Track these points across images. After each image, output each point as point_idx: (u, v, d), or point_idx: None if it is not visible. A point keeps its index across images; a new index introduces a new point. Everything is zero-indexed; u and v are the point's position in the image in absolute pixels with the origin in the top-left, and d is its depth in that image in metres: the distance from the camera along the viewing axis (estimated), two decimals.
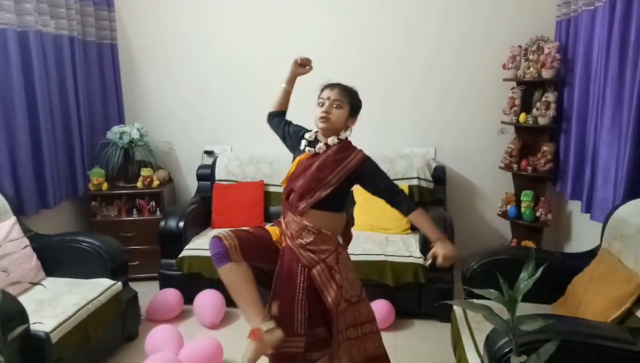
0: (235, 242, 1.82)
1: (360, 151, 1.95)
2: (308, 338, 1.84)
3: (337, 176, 1.88)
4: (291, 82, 2.08)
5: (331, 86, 1.91)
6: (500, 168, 3.49)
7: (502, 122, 3.47)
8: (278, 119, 2.12)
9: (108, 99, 3.89)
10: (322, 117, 1.88)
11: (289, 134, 2.07)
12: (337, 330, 1.86)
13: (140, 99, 4.02)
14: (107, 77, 3.86)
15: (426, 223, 1.92)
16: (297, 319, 1.82)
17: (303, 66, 2.04)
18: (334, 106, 1.88)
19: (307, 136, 1.99)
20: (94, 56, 3.73)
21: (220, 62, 3.89)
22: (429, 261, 1.84)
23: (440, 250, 1.82)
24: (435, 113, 3.73)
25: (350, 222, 2.08)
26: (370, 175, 1.92)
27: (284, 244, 1.94)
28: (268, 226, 2.05)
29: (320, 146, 1.93)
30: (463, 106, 3.69)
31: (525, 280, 1.40)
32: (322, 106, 1.89)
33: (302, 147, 1.97)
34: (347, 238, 2.03)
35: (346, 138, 1.97)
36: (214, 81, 3.92)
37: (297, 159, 1.96)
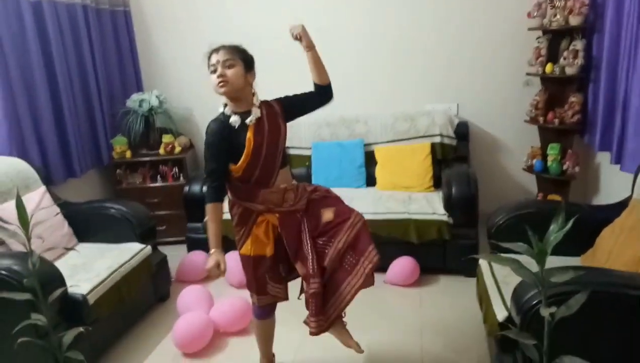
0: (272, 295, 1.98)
1: (273, 101, 1.94)
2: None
3: (283, 129, 1.90)
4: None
5: (215, 50, 1.84)
6: (526, 121, 3.42)
7: (528, 73, 3.38)
8: (222, 183, 1.89)
9: (125, 67, 3.89)
10: (220, 83, 1.79)
11: (226, 156, 1.85)
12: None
13: (156, 66, 4.02)
14: (123, 45, 3.85)
15: (311, 65, 1.93)
16: (310, 263, 1.85)
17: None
18: (227, 66, 1.80)
19: (231, 120, 1.82)
20: (108, 23, 3.71)
21: (235, 25, 3.82)
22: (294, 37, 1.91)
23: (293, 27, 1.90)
24: (457, 68, 3.64)
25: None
26: (289, 102, 1.92)
27: (266, 218, 1.90)
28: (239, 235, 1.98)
29: (254, 112, 1.84)
30: (486, 59, 3.60)
31: (555, 232, 1.37)
32: (214, 72, 1.81)
33: (234, 124, 1.81)
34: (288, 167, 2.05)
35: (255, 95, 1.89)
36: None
37: (248, 136, 1.81)
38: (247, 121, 1.84)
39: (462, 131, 3.51)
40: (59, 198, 2.83)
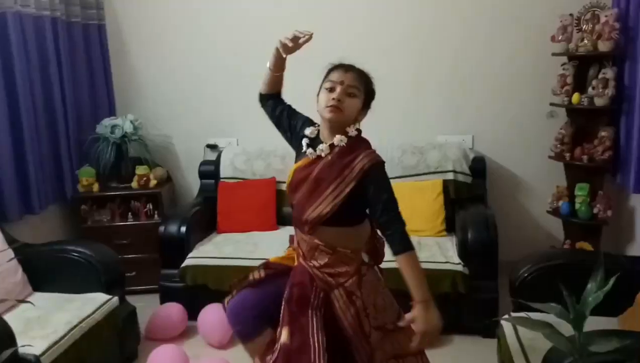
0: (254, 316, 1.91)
1: (372, 152, 1.79)
2: None
3: (339, 188, 1.74)
4: (278, 66, 1.91)
5: (344, 68, 1.78)
6: (550, 157, 3.42)
7: (552, 104, 3.39)
8: (272, 103, 1.99)
9: (97, 88, 3.89)
10: (332, 106, 1.72)
11: (288, 127, 1.95)
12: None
13: (132, 87, 4.02)
14: (95, 62, 3.86)
15: (416, 273, 1.74)
16: (314, 349, 1.73)
17: (294, 43, 1.83)
18: (348, 93, 1.75)
19: (307, 132, 1.86)
20: (80, 38, 3.73)
21: (222, 42, 3.86)
22: (401, 324, 1.71)
23: (421, 323, 1.68)
24: (473, 95, 3.68)
25: (376, 234, 1.90)
26: (373, 183, 1.73)
27: (296, 262, 1.90)
28: (287, 251, 2.03)
29: (322, 147, 1.79)
30: (505, 86, 3.63)
31: (594, 292, 1.35)
32: (331, 91, 1.74)
33: (303, 149, 1.84)
34: (377, 254, 1.92)
35: (356, 133, 1.82)
36: (216, 64, 3.90)
37: (295, 166, 1.85)
38: (308, 152, 1.84)
39: (478, 166, 3.51)
40: (14, 240, 2.78)
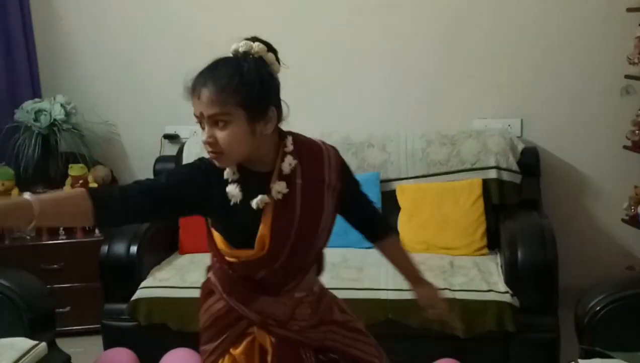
0: None
1: (325, 144, 1.78)
2: None
3: (329, 202, 1.73)
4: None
5: (198, 88, 1.57)
6: (626, 148, 3.43)
7: (627, 76, 3.39)
8: (119, 216, 1.62)
9: (15, 61, 3.87)
10: (211, 153, 1.59)
11: (182, 199, 1.65)
12: None
13: (63, 60, 4.01)
14: (13, 28, 3.83)
15: (407, 254, 2.02)
16: None
17: None
18: (216, 125, 1.56)
19: (230, 189, 1.62)
20: None
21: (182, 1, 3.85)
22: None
23: (425, 298, 1.99)
24: (521, 67, 3.67)
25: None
26: (353, 188, 1.86)
27: (254, 336, 1.76)
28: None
29: (275, 186, 1.63)
30: (563, 54, 3.62)
31: None
32: (202, 126, 1.60)
33: (232, 198, 1.62)
34: (321, 269, 1.93)
35: (289, 139, 1.70)
36: (174, 30, 3.88)
37: (267, 221, 1.63)
38: (255, 202, 1.61)
39: (529, 161, 3.51)
40: None
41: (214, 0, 3.82)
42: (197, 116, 1.59)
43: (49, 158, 3.75)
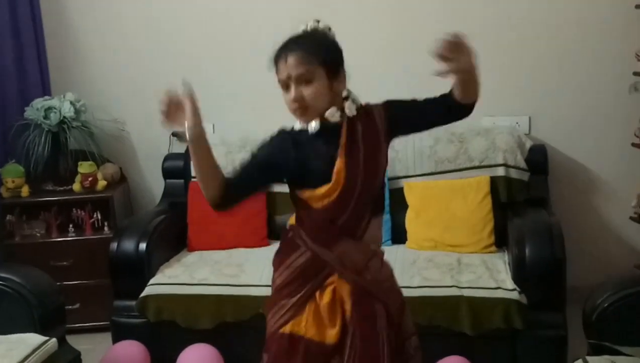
0: None
1: (373, 104, 1.99)
2: None
3: (385, 146, 1.94)
4: (205, 156, 1.85)
5: (284, 55, 1.84)
6: (635, 145, 3.43)
7: (635, 73, 3.38)
8: (241, 190, 1.92)
9: (25, 59, 3.88)
10: (295, 110, 1.86)
11: (278, 166, 1.92)
12: None
13: (73, 58, 4.01)
14: (23, 26, 3.85)
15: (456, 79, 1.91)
16: None
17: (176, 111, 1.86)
18: (302, 83, 1.83)
19: (310, 127, 1.88)
20: None
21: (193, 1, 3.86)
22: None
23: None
24: (529, 64, 3.67)
25: None
26: (401, 108, 1.98)
27: (335, 285, 1.92)
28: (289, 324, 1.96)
29: (332, 111, 1.87)
30: (572, 50, 3.62)
31: None
32: (286, 89, 1.85)
33: (311, 129, 1.87)
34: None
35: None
36: (184, 29, 3.89)
37: (340, 167, 1.86)
38: (333, 118, 1.86)
39: (538, 158, 3.51)
40: None
41: (223, 1, 3.82)
42: (282, 80, 1.84)
43: (58, 155, 3.75)
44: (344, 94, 1.91)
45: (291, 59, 1.81)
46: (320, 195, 1.88)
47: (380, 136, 1.93)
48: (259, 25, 3.69)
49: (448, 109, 1.92)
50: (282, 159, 1.90)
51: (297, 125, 1.92)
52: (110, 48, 3.96)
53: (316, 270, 1.93)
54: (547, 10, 3.61)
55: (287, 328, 1.92)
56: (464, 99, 1.88)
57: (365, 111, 1.94)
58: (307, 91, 1.82)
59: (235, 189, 1.89)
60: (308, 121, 1.87)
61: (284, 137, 1.94)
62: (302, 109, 1.84)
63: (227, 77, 3.86)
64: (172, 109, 1.86)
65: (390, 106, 1.96)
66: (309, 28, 1.90)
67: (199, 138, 1.80)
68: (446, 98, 1.91)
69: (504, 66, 3.68)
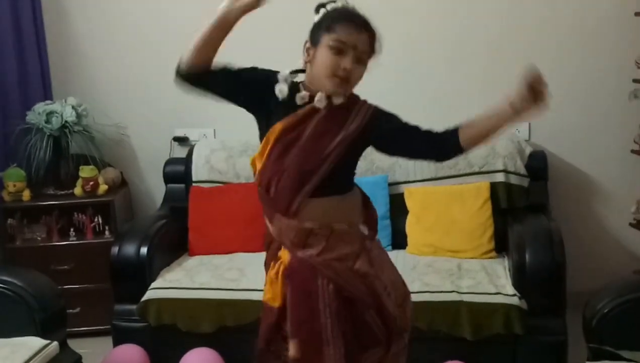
0: None
1: (366, 100, 1.99)
2: None
3: (343, 141, 1.91)
4: (228, 22, 1.96)
5: (358, 26, 1.86)
6: (634, 152, 3.44)
7: (635, 80, 3.40)
8: (216, 77, 2.03)
9: (27, 63, 3.88)
10: (342, 78, 1.85)
11: (247, 85, 2.01)
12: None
13: (74, 62, 4.02)
14: (25, 30, 3.85)
15: (481, 120, 1.88)
16: (331, 358, 1.91)
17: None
18: (359, 60, 1.88)
19: (281, 76, 1.95)
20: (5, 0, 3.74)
21: (193, 3, 3.85)
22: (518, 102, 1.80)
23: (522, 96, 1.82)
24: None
25: (367, 199, 2.12)
26: (387, 122, 1.95)
27: (282, 259, 2.00)
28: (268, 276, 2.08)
29: (319, 97, 1.91)
30: (572, 57, 3.63)
31: None
32: (339, 54, 1.84)
33: (298, 101, 1.93)
34: (371, 224, 2.10)
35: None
36: (184, 32, 3.80)
37: (277, 128, 1.92)
38: (300, 96, 1.91)
39: (537, 164, 3.52)
40: None
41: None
42: (344, 43, 1.82)
43: (60, 159, 3.76)
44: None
45: (366, 35, 1.85)
46: (257, 153, 1.96)
47: (343, 129, 1.91)
48: (261, 32, 3.70)
49: (441, 145, 1.91)
50: (260, 89, 1.95)
51: (284, 87, 1.92)
52: (111, 53, 3.97)
53: (270, 242, 2.06)
54: (548, 18, 3.62)
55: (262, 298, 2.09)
56: (467, 144, 1.86)
57: (354, 100, 1.96)
58: (357, 70, 1.86)
59: (210, 75, 2.00)
60: (339, 94, 1.89)
61: (274, 79, 1.96)
62: (346, 81, 1.86)
63: None
64: None
65: (379, 115, 1.95)
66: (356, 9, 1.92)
67: (224, 15, 1.93)
68: (449, 134, 1.88)
69: (504, 73, 3.67)
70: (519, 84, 1.79)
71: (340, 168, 1.93)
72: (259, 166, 1.98)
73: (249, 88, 1.99)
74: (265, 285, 2.10)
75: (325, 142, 1.90)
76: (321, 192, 1.92)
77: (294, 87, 1.94)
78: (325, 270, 1.94)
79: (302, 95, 1.91)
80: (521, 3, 3.64)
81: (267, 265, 2.12)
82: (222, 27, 1.95)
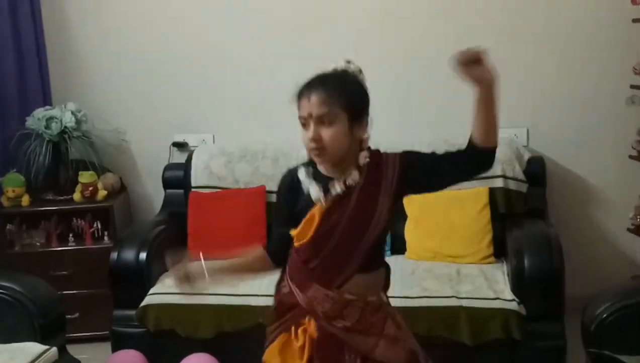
0: None
1: (386, 152, 1.95)
2: None
3: (386, 194, 1.87)
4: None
5: (307, 92, 1.83)
6: (632, 157, 3.44)
7: (633, 86, 3.40)
8: (285, 242, 1.98)
9: (26, 69, 3.89)
10: (312, 149, 1.83)
11: (293, 215, 1.95)
12: None
13: (74, 68, 4.02)
14: (25, 36, 3.86)
15: (477, 112, 1.87)
16: None
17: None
18: (322, 123, 1.81)
19: (301, 175, 1.92)
20: (4, 3, 3.72)
21: (193, 11, 3.87)
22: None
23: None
24: (527, 77, 3.68)
25: (390, 269, 2.09)
26: (418, 158, 1.91)
27: (306, 326, 1.94)
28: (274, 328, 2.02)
29: (336, 186, 1.87)
30: (570, 64, 3.64)
31: None
32: (305, 127, 1.83)
33: (314, 196, 1.88)
34: (387, 287, 2.08)
35: (370, 152, 1.93)
36: (184, 38, 3.90)
37: (316, 210, 1.88)
38: (320, 199, 1.85)
39: (536, 170, 3.52)
40: None
41: (224, 14, 3.83)
42: (303, 117, 1.82)
43: (59, 165, 3.76)
44: (365, 146, 1.90)
45: (314, 98, 1.79)
46: (296, 234, 1.89)
47: (381, 190, 1.88)
48: (261, 38, 3.71)
49: (470, 159, 1.86)
50: (292, 204, 1.93)
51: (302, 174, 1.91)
52: (111, 58, 3.97)
53: (292, 306, 1.95)
54: (546, 24, 3.63)
55: (264, 356, 1.99)
56: (484, 141, 1.81)
57: (376, 160, 1.90)
58: (326, 133, 1.80)
59: (279, 250, 1.99)
60: (323, 163, 1.87)
61: (287, 181, 1.98)
62: (319, 150, 1.81)
63: (227, 87, 3.87)
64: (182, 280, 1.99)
65: (410, 160, 1.90)
66: (339, 68, 1.88)
67: (210, 282, 1.99)
68: (465, 148, 1.86)
69: (502, 79, 3.68)
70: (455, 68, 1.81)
71: (382, 234, 1.92)
72: (297, 243, 1.92)
73: (294, 213, 1.95)
74: (268, 345, 2.01)
75: (372, 205, 1.87)
76: (366, 267, 1.90)
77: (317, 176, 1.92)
78: (355, 342, 1.90)
79: (334, 189, 1.87)
80: (520, 11, 3.64)
81: (272, 327, 2.04)
82: (226, 279, 2.10)
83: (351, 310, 1.89)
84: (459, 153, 1.87)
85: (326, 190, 1.86)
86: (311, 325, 1.92)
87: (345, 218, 1.86)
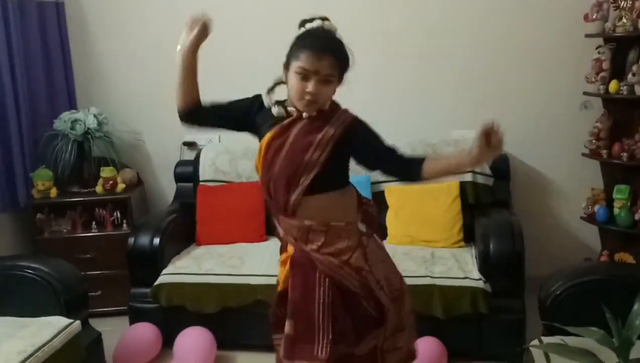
0: None
1: (347, 110, 1.97)
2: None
3: (321, 148, 1.88)
4: (189, 61, 2.00)
5: (319, 53, 1.81)
6: (584, 155, 3.44)
7: (585, 93, 3.41)
8: (207, 114, 2.05)
9: (54, 76, 3.88)
10: (308, 101, 1.84)
11: (242, 115, 2.04)
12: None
13: (96, 76, 4.02)
14: (52, 47, 3.85)
15: (444, 159, 1.95)
16: (318, 342, 1.90)
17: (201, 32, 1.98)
18: (323, 82, 1.84)
19: (272, 107, 1.95)
20: (34, 20, 3.71)
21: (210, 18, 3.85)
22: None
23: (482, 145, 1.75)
24: (494, 84, 3.68)
25: (362, 199, 2.07)
26: (363, 137, 1.92)
27: (289, 251, 2.01)
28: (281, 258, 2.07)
29: (293, 112, 1.92)
30: (531, 73, 3.64)
31: None
32: (304, 79, 1.82)
33: (275, 114, 1.93)
34: (371, 220, 2.06)
35: (334, 104, 1.97)
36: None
37: (267, 137, 1.93)
38: (276, 112, 1.91)
39: (501, 166, 3.53)
40: None
41: (230, 20, 3.70)
42: (306, 70, 1.80)
43: (83, 161, 3.76)
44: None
45: (327, 60, 1.80)
46: (256, 163, 1.99)
47: (322, 133, 1.88)
48: (264, 41, 3.68)
49: (406, 171, 1.92)
50: (252, 113, 1.98)
51: (268, 100, 1.95)
52: (128, 69, 3.97)
53: (281, 238, 2.06)
54: (511, 37, 3.62)
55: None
56: (428, 177, 1.86)
57: (333, 111, 1.93)
58: (324, 90, 1.83)
59: (202, 112, 2.01)
60: (309, 112, 1.87)
61: (259, 100, 2.00)
62: (313, 102, 1.84)
63: (232, 89, 3.85)
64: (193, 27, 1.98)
65: (355, 130, 1.91)
66: (324, 27, 1.88)
67: (184, 57, 1.97)
68: (414, 163, 1.88)
69: (471, 85, 3.71)
70: (477, 135, 1.74)
71: (328, 169, 1.89)
72: (258, 174, 2.00)
73: (239, 115, 2.03)
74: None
75: (306, 147, 1.88)
76: (316, 190, 1.90)
77: (281, 104, 1.94)
78: (321, 264, 1.92)
79: (278, 110, 1.92)
80: (484, 27, 3.64)
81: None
82: (188, 67, 2.00)
83: (314, 235, 1.91)
84: (403, 159, 1.91)
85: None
86: (291, 248, 1.99)
87: (282, 150, 1.89)
